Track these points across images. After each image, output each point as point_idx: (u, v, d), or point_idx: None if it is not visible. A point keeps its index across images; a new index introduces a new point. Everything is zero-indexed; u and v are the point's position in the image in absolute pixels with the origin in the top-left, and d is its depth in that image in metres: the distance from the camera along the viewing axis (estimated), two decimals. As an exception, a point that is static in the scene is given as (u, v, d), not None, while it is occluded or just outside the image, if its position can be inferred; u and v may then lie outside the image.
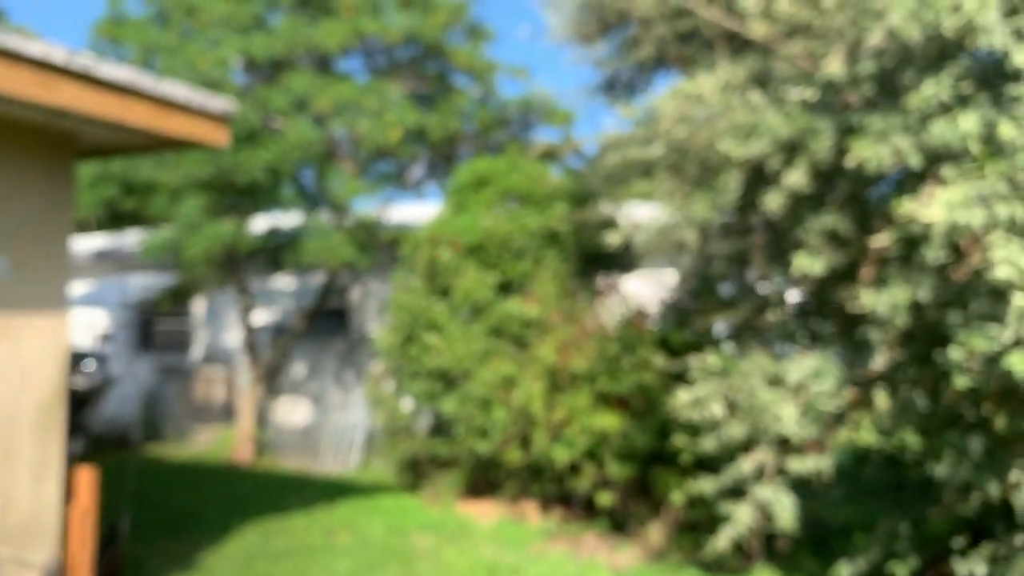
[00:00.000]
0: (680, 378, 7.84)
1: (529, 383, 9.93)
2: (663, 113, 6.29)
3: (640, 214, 10.61)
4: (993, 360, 5.21)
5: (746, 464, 6.65)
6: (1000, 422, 6.57)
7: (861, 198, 6.09)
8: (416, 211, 15.04)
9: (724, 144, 5.81)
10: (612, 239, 6.95)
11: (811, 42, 5.76)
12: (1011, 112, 5.02)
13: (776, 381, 6.65)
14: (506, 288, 11.02)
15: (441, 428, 11.61)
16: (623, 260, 11.36)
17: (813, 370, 6.55)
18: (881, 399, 6.67)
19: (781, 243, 6.63)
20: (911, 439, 6.93)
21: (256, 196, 13.13)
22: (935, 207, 4.70)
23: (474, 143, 14.57)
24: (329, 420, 15.70)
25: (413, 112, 12.94)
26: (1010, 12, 4.95)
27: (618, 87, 8.81)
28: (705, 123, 6.07)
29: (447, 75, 14.62)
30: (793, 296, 7.39)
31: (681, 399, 6.92)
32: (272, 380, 15.63)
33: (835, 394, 6.49)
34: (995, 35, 4.88)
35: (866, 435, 7.00)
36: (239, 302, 15.22)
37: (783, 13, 5.74)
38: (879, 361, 6.00)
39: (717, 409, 6.74)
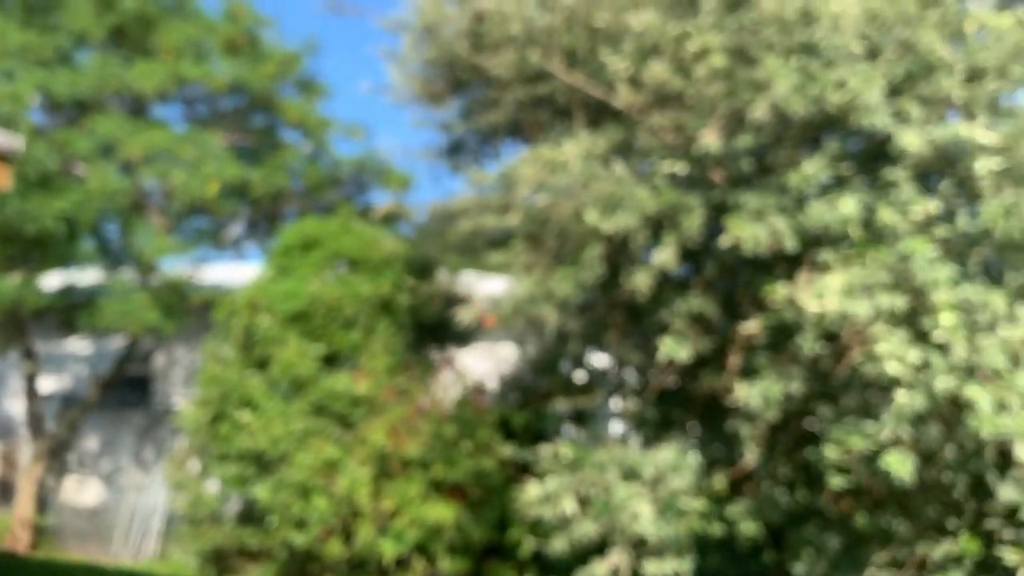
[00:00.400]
0: (525, 468, 7.20)
1: (355, 468, 8.99)
2: (521, 179, 5.73)
3: (486, 287, 10.03)
4: (870, 459, 4.88)
5: (600, 568, 6.03)
6: (860, 519, 6.30)
7: (730, 281, 5.73)
8: (234, 273, 13.84)
9: (589, 216, 5.30)
10: (464, 314, 6.28)
11: (680, 113, 5.39)
12: (890, 197, 4.77)
13: (632, 474, 6.12)
14: (332, 361, 10.06)
15: (252, 516, 10.38)
16: (460, 332, 10.70)
17: (670, 463, 6.08)
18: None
19: (642, 324, 6.17)
20: (750, 528, 6.58)
21: (48, 249, 11.60)
22: (828, 296, 4.33)
23: (302, 202, 13.63)
24: (124, 503, 13.98)
25: (235, 165, 11.91)
26: (892, 93, 4.74)
27: (464, 152, 8.24)
28: (567, 192, 5.55)
29: (275, 129, 13.67)
30: (648, 380, 6.94)
31: (530, 494, 6.25)
32: (58, 456, 13.80)
33: (694, 489, 6.03)
34: (878, 115, 4.64)
35: (707, 525, 6.61)
36: (23, 367, 13.41)
37: (653, 80, 5.35)
38: (747, 456, 5.57)
39: (569, 506, 6.12)
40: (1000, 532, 5.58)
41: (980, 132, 4.54)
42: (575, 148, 5.52)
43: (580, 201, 5.39)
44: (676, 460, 6.05)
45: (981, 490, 5.56)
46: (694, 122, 5.24)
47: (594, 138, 5.89)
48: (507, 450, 7.84)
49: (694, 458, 6.16)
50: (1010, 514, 5.38)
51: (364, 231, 10.91)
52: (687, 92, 5.27)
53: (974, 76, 4.79)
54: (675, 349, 5.32)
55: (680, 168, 5.26)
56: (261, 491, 9.55)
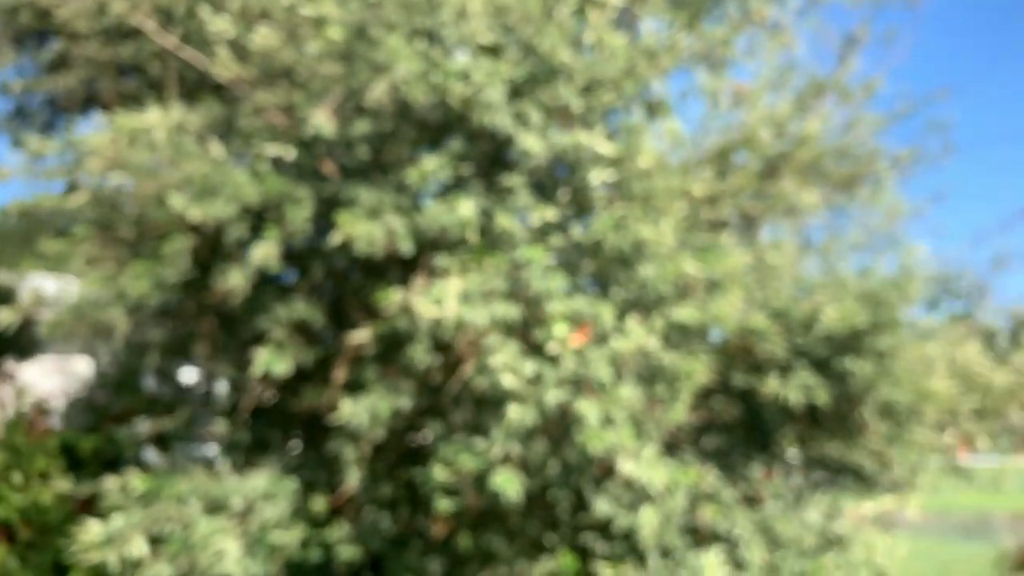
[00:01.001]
0: (90, 502, 6.04)
1: None
2: (95, 152, 4.70)
3: (50, 285, 8.51)
4: (479, 479, 4.58)
5: (175, 616, 5.12)
6: (463, 540, 6.05)
7: (340, 285, 5.18)
8: None
9: (174, 201, 4.45)
10: (3, 317, 5.01)
11: (292, 92, 4.75)
12: (508, 202, 4.54)
13: (218, 506, 5.31)
14: None
15: None
16: (20, 343, 9.00)
17: (263, 491, 5.38)
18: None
19: (237, 333, 5.40)
20: (349, 553, 6.11)
21: None
22: (446, 302, 3.93)
23: None
24: None
25: None
26: (514, 94, 4.51)
27: (29, 121, 6.87)
28: (150, 172, 4.64)
29: None
30: (245, 398, 6.16)
31: (91, 534, 5.17)
32: None
33: (292, 517, 5.38)
34: (500, 114, 4.38)
35: (305, 552, 6.03)
36: None
37: (260, 49, 4.66)
38: (349, 479, 5.03)
39: (138, 546, 5.14)
40: (595, 547, 5.61)
41: (599, 142, 4.48)
42: (163, 119, 4.64)
43: (165, 183, 4.52)
44: (270, 487, 5.36)
45: (580, 504, 5.56)
46: (306, 103, 4.63)
47: (189, 112, 5.04)
48: (66, 482, 6.58)
49: (291, 483, 5.52)
50: (604, 528, 5.42)
51: None
52: (299, 68, 4.65)
53: (592, 87, 4.74)
54: (272, 361, 4.63)
55: (288, 153, 4.62)
56: None
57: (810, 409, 5.70)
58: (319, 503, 5.79)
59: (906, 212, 6.79)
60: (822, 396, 5.43)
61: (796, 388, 5.41)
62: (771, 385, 5.47)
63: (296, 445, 6.36)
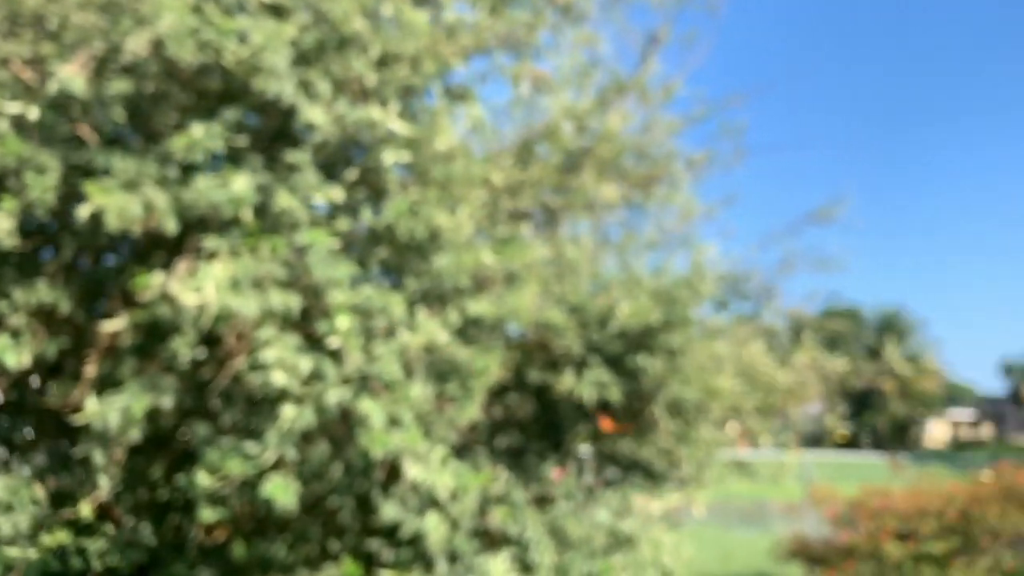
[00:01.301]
0: None
1: None
2: None
3: None
4: (250, 485, 4.15)
5: None
6: (237, 548, 5.58)
7: (96, 267, 4.58)
8: None
9: None
10: None
11: (42, 43, 4.13)
12: (291, 181, 4.13)
13: (-57, 518, 4.60)
14: None
15: None
16: None
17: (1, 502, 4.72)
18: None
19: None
20: (114, 562, 5.53)
21: None
22: (207, 286, 3.49)
23: None
24: None
25: None
26: (300, 61, 4.10)
27: None
28: None
29: None
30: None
31: None
32: None
33: (38, 532, 4.75)
34: (284, 82, 3.97)
35: (62, 562, 5.40)
36: None
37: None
38: (101, 485, 4.46)
39: None
40: (381, 553, 5.30)
41: (393, 119, 4.16)
42: None
43: None
44: (7, 496, 4.70)
45: (365, 509, 5.24)
46: (58, 56, 4.03)
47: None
48: None
49: (36, 491, 4.87)
50: (390, 533, 5.12)
51: None
52: (50, 15, 4.04)
53: (387, 61, 4.41)
54: (5, 352, 4.00)
55: (31, 112, 3.99)
56: None
57: (603, 406, 5.64)
58: (83, 509, 5.18)
59: (699, 213, 6.89)
60: (615, 393, 5.38)
61: (590, 385, 5.32)
62: (566, 381, 5.36)
63: (50, 447, 5.67)
